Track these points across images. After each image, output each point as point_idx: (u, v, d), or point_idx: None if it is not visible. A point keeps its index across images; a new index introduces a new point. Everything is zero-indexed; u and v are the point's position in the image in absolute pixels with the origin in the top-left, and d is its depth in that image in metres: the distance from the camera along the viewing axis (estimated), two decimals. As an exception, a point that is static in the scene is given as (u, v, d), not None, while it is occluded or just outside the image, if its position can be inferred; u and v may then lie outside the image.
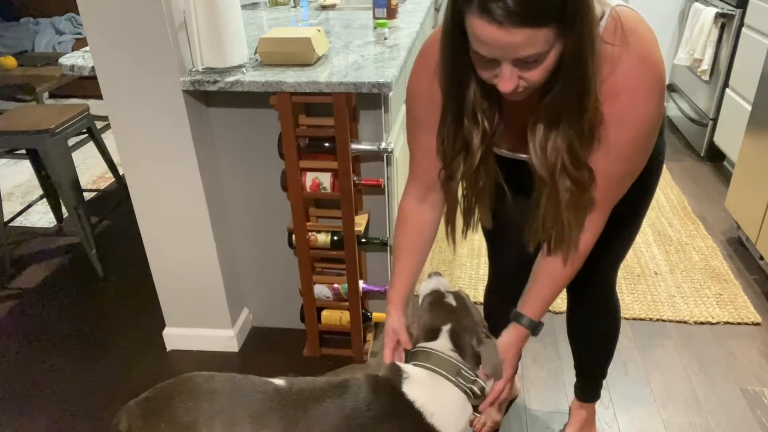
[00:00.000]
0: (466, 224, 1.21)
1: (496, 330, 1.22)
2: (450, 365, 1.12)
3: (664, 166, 1.40)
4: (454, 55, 0.97)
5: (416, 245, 1.25)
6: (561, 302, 1.34)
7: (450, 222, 1.20)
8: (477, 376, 1.13)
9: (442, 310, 1.19)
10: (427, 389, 1.11)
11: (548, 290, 1.17)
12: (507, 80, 0.90)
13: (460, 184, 1.14)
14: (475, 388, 1.13)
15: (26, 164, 3.58)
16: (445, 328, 1.16)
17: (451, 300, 1.20)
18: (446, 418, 1.10)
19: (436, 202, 1.22)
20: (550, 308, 2.28)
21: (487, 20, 0.83)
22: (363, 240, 1.94)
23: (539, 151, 1.00)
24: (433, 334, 1.16)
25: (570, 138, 0.97)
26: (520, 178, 1.12)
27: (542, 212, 1.07)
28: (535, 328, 1.18)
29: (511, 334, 1.19)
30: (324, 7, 2.71)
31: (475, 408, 1.16)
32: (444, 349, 1.14)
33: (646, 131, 1.01)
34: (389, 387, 1.12)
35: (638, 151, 1.04)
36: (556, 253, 1.11)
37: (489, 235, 1.53)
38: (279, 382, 1.11)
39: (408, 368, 1.14)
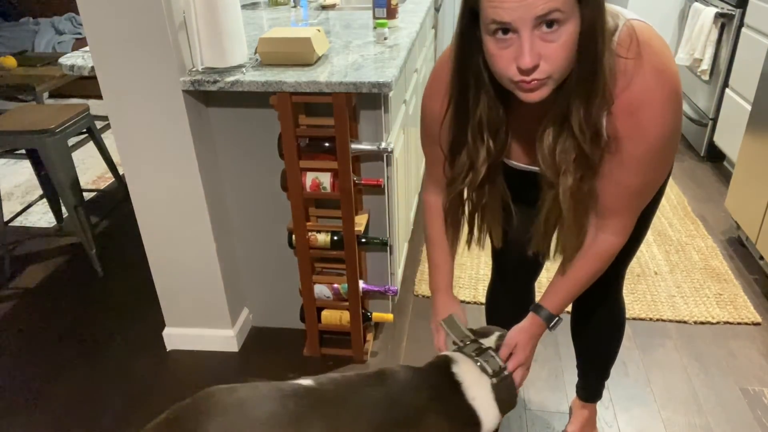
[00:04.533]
0: (470, 238, 1.23)
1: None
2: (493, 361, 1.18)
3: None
4: (466, 61, 0.97)
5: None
6: (562, 302, 1.35)
7: (450, 228, 1.25)
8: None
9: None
10: (473, 375, 1.15)
11: (569, 287, 1.19)
12: (527, 53, 0.86)
13: (466, 202, 1.17)
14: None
15: (26, 164, 3.58)
16: (498, 333, 1.24)
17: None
18: (485, 404, 1.13)
19: None
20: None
21: None
22: (363, 240, 1.94)
23: (548, 157, 1.00)
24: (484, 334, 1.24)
25: (578, 139, 0.96)
26: (528, 189, 1.14)
27: (544, 215, 1.08)
28: (550, 320, 1.22)
29: (526, 320, 1.24)
30: (324, 7, 2.71)
31: None
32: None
33: (661, 144, 1.00)
34: (438, 369, 1.16)
35: (655, 163, 1.03)
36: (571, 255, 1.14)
37: None
38: (307, 381, 1.08)
39: (457, 355, 1.19)
